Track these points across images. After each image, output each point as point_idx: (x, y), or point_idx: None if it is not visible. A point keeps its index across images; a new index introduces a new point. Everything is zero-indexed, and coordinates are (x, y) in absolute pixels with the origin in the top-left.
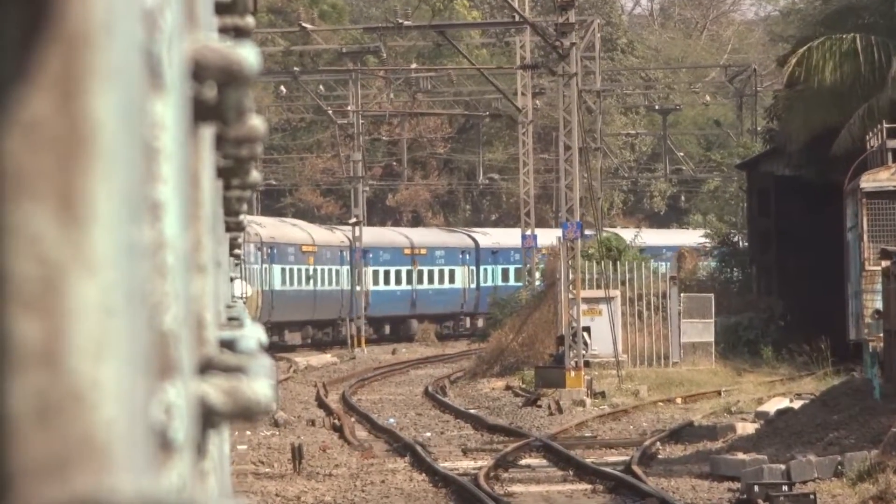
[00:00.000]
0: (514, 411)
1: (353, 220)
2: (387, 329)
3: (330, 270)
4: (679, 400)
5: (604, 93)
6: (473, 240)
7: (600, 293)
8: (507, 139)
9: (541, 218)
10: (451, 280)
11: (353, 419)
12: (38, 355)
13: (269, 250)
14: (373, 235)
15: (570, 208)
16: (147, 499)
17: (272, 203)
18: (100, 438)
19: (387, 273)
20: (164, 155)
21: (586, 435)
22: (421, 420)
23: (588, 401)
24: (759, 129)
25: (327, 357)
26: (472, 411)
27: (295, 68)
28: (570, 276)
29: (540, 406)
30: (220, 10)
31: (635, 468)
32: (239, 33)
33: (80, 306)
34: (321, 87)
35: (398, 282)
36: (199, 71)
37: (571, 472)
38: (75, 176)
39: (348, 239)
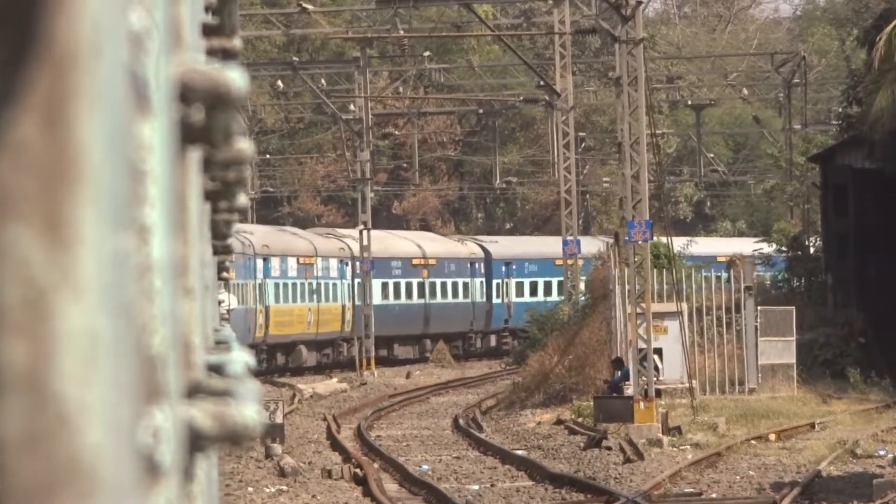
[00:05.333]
0: (574, 454)
1: (360, 227)
2: None
3: (454, 283)
4: (772, 437)
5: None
6: None
7: (666, 307)
8: (523, 141)
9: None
10: None
11: (376, 465)
12: (23, 379)
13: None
14: (518, 245)
15: (638, 204)
16: None
17: (268, 213)
18: (86, 463)
19: (533, 284)
20: (150, 178)
21: (687, 490)
22: (461, 466)
23: (665, 439)
24: (807, 122)
25: (334, 383)
26: (519, 453)
27: (294, 58)
28: (638, 287)
29: (609, 448)
30: (208, 32)
31: None
32: (226, 55)
33: (66, 330)
34: (322, 81)
35: (548, 293)
36: (187, 93)
37: None
38: (61, 198)
39: (482, 249)
